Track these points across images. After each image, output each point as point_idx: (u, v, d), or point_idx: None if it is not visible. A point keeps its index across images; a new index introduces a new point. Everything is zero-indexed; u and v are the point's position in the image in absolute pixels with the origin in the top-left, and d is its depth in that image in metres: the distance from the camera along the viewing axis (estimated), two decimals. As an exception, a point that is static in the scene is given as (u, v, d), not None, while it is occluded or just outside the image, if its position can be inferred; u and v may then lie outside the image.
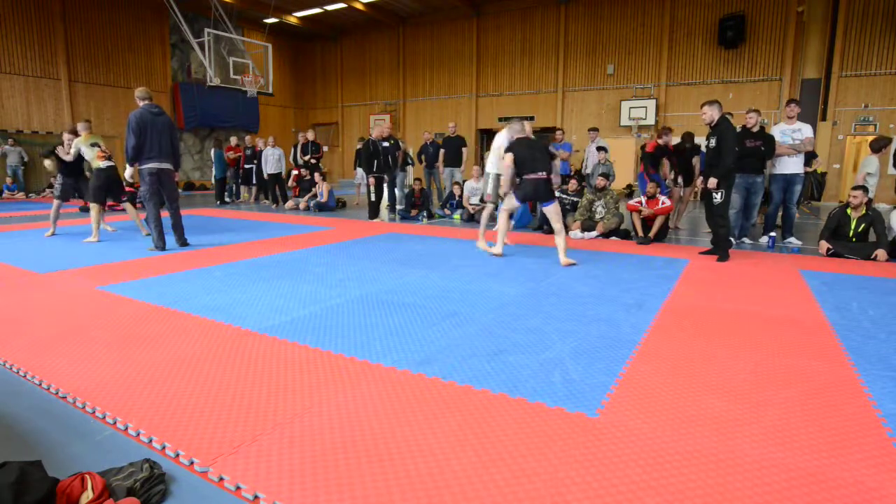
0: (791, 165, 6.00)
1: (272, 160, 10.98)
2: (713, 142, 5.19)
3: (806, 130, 5.95)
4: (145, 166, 5.34)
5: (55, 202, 6.47)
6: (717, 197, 5.18)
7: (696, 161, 7.49)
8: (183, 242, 5.67)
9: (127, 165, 5.40)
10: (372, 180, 8.36)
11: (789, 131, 6.00)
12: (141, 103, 5.33)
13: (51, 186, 13.43)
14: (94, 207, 6.04)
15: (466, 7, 16.55)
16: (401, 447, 1.68)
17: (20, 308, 3.28)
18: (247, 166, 11.71)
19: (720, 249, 5.18)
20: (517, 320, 3.07)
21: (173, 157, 5.51)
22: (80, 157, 6.29)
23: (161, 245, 5.46)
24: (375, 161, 8.31)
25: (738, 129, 6.71)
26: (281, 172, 11.13)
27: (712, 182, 5.13)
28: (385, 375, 2.25)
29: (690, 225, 8.12)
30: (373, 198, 8.47)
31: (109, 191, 6.18)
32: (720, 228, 5.19)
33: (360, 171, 11.49)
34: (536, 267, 4.70)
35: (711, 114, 5.16)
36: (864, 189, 5.44)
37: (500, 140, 5.61)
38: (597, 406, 1.98)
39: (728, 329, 2.95)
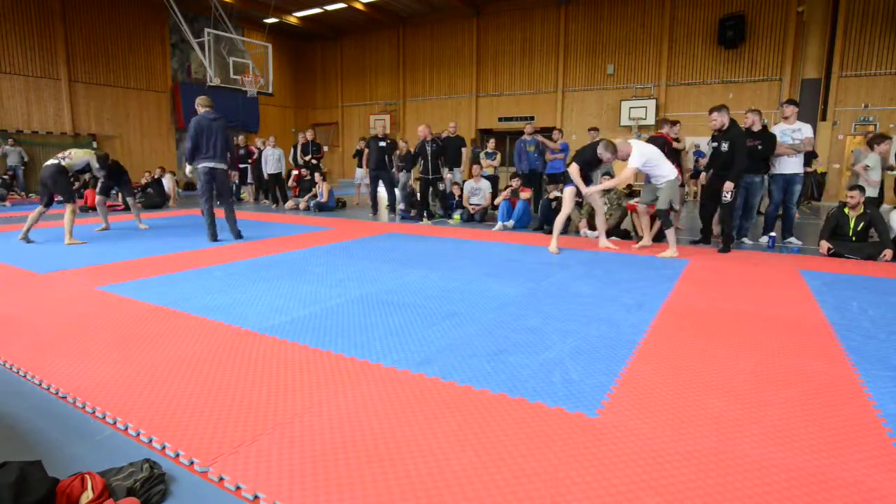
0: (791, 165, 6.00)
1: (272, 160, 10.98)
2: (726, 146, 5.46)
3: (806, 130, 5.95)
4: (200, 165, 5.97)
5: (98, 198, 7.11)
6: (728, 196, 5.47)
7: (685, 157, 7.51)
8: (237, 234, 6.24)
9: (186, 164, 6.11)
10: (411, 180, 8.39)
11: (789, 131, 6.00)
12: (201, 110, 5.98)
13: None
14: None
15: (466, 7, 16.54)
16: (401, 447, 1.68)
17: (20, 308, 3.28)
18: (241, 166, 11.72)
19: (723, 243, 5.58)
20: (517, 320, 3.07)
21: (227, 158, 6.12)
22: (115, 167, 6.98)
23: (213, 236, 6.11)
24: (423, 162, 8.30)
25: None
26: (281, 172, 11.12)
27: (728, 185, 5.43)
28: (385, 375, 2.25)
29: (690, 225, 8.11)
30: (419, 197, 8.53)
31: (53, 190, 5.88)
32: (725, 225, 5.61)
33: (359, 171, 11.49)
34: (536, 267, 4.70)
35: (722, 119, 5.50)
36: (861, 189, 5.45)
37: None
38: (597, 406, 1.98)
39: (728, 329, 2.95)
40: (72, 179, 6.51)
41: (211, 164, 5.98)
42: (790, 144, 5.95)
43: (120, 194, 7.38)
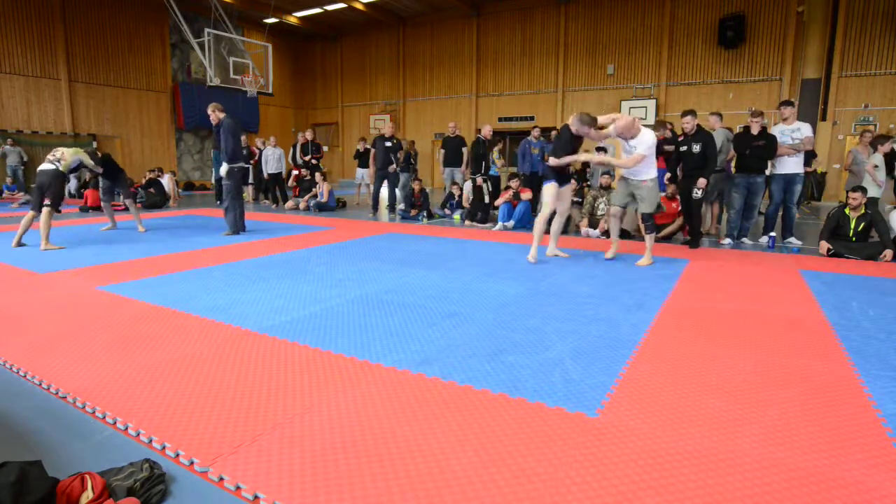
0: (791, 165, 6.00)
1: (272, 160, 10.98)
2: (697, 147, 5.75)
3: (805, 130, 5.95)
4: (235, 165, 6.49)
5: (103, 200, 7.39)
6: (698, 193, 5.77)
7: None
8: (242, 227, 6.80)
9: (224, 164, 6.44)
10: (479, 181, 8.16)
11: (789, 131, 6.00)
12: (221, 115, 6.45)
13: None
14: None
15: (466, 7, 16.54)
16: (401, 447, 1.68)
17: (20, 308, 3.28)
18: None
19: (692, 238, 5.90)
20: (517, 320, 3.07)
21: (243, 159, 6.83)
22: (109, 162, 6.99)
23: (236, 230, 6.64)
24: (484, 162, 8.12)
25: (740, 130, 6.73)
26: (281, 172, 11.13)
27: (702, 182, 5.71)
28: (385, 375, 2.25)
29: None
30: (470, 198, 8.16)
31: (45, 193, 5.65)
32: (692, 220, 5.94)
33: (359, 171, 11.49)
34: (536, 267, 4.70)
35: (693, 123, 5.83)
36: (863, 190, 5.45)
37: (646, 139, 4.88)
38: (597, 406, 1.98)
39: (728, 329, 2.95)
40: (69, 180, 6.47)
41: (242, 164, 6.64)
42: (790, 144, 5.96)
43: (121, 195, 7.36)
